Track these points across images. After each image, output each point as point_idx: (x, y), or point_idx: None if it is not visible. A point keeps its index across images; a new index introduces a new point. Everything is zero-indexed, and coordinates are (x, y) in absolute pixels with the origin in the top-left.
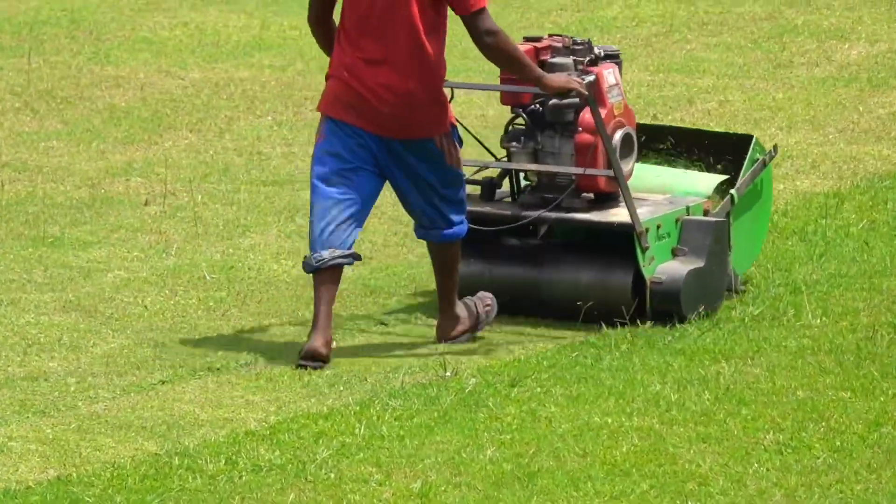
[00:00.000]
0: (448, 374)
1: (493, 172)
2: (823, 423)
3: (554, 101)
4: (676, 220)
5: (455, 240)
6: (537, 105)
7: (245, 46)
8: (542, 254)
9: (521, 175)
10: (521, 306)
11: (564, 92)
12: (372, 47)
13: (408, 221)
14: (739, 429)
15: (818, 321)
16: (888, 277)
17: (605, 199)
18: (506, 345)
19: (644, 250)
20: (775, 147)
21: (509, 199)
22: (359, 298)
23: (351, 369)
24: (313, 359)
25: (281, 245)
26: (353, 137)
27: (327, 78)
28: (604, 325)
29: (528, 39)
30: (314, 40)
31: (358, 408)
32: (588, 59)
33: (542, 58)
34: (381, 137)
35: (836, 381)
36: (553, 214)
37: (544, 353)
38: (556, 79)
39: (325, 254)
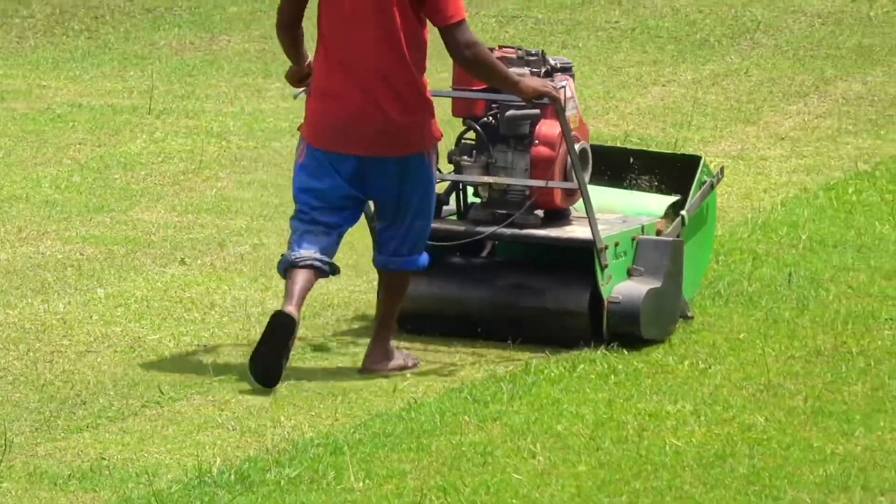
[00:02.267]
0: None
1: (440, 188)
2: None
3: (511, 112)
4: (632, 239)
5: (415, 269)
6: (490, 117)
7: None
8: (492, 273)
9: (470, 191)
10: (471, 327)
11: (540, 97)
12: (354, 62)
13: None
14: None
15: (361, 484)
16: (437, 437)
17: (557, 217)
18: None
19: (603, 268)
20: (722, 170)
21: (455, 216)
22: None
23: None
24: (281, 323)
25: None
26: (334, 165)
27: (308, 95)
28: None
29: None
30: (282, 48)
31: None
32: (544, 70)
33: None
34: (364, 158)
35: None
36: (509, 231)
37: None
38: (533, 83)
39: (304, 252)
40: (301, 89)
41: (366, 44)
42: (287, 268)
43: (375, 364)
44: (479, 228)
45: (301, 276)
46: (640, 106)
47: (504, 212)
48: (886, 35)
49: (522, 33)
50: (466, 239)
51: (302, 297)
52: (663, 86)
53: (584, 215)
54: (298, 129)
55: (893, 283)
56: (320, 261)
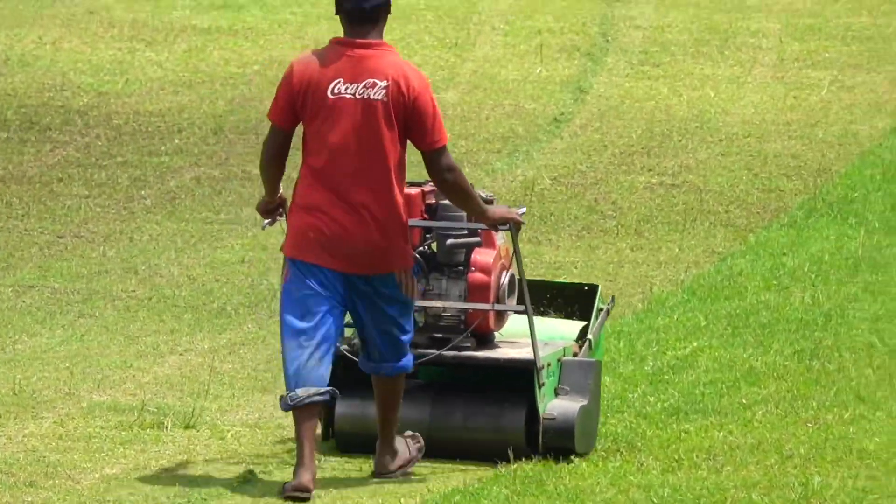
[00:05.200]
0: None
1: None
2: None
3: (451, 241)
4: (558, 361)
5: (402, 373)
6: (426, 247)
7: None
8: (431, 394)
9: None
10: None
11: (505, 223)
12: (343, 184)
13: None
14: None
15: None
16: None
17: (485, 340)
18: None
19: (541, 387)
20: (613, 298)
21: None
22: None
23: None
24: (301, 490)
25: None
26: (318, 277)
27: (289, 215)
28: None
29: (411, 184)
30: (262, 178)
31: None
32: None
33: (429, 201)
34: (345, 274)
35: None
36: (450, 353)
37: None
38: (498, 211)
39: (301, 392)
40: (267, 220)
41: (353, 167)
42: (289, 410)
43: (383, 466)
44: (422, 351)
45: (306, 423)
46: (157, 375)
47: (440, 335)
48: None
49: (39, 302)
50: (415, 362)
51: (311, 451)
52: (181, 354)
53: (514, 341)
54: (281, 249)
55: None
56: (318, 394)
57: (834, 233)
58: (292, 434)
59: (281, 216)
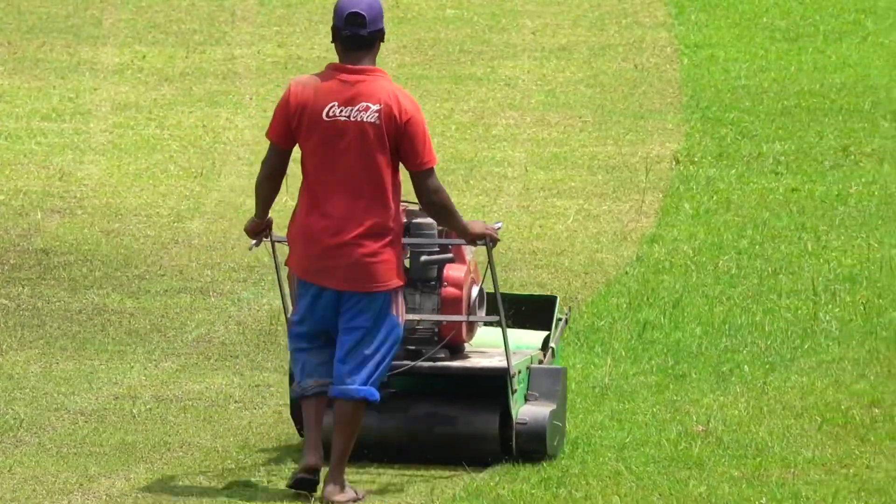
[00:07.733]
0: None
1: None
2: None
3: (425, 258)
4: (527, 368)
5: (363, 401)
6: None
7: None
8: (404, 403)
9: None
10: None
11: (482, 238)
12: (338, 205)
13: None
14: None
15: None
16: None
17: (456, 351)
18: None
19: (514, 393)
20: (570, 308)
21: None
22: None
23: None
24: (308, 471)
25: None
26: (314, 295)
27: (288, 232)
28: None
29: None
30: (256, 195)
31: None
32: None
33: (404, 219)
34: (338, 291)
35: None
36: (427, 364)
37: None
38: (477, 227)
39: (311, 382)
40: (254, 241)
41: (347, 188)
42: (299, 397)
43: (331, 495)
44: (396, 363)
45: (313, 409)
46: None
47: (413, 347)
48: (149, 432)
49: None
50: (390, 372)
51: (318, 437)
52: None
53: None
54: (286, 263)
55: None
56: (322, 385)
57: (580, 361)
58: None
59: (267, 238)
